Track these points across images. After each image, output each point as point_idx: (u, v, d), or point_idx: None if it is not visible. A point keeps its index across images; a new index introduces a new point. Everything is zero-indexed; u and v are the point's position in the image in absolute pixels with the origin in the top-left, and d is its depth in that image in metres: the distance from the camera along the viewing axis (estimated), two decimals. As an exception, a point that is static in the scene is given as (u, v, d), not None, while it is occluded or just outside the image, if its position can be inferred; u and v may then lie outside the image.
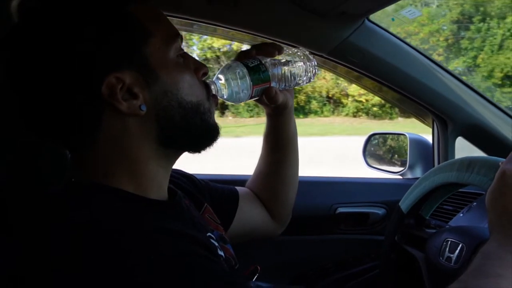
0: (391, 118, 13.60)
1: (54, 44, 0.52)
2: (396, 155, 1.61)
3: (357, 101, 13.64)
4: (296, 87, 0.82)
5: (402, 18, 1.14)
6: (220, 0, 0.96)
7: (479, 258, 0.60)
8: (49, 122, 0.56)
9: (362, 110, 13.84)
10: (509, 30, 12.23)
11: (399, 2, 0.94)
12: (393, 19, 1.14)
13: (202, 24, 1.05)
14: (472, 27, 12.57)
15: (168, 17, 0.63)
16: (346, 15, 1.02)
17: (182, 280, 0.46)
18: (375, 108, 13.66)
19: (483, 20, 12.49)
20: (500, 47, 12.44)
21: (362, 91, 13.04)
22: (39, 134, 0.58)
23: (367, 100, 13.53)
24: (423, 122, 1.44)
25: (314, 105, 13.58)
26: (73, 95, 0.53)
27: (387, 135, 1.72)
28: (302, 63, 0.80)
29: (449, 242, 0.82)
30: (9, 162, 0.72)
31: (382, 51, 1.14)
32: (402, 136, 1.58)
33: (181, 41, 0.62)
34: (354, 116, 14.09)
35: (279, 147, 0.89)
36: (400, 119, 13.52)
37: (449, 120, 1.29)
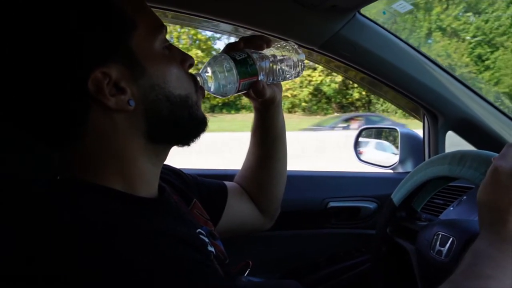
0: (325, 114, 13.61)
1: (35, 39, 0.50)
2: (387, 150, 1.61)
3: (284, 96, 13.59)
4: None
5: (393, 11, 1.13)
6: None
7: (469, 257, 0.60)
8: (34, 119, 0.53)
9: (298, 106, 13.81)
10: (435, 22, 12.21)
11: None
12: (384, 13, 1.14)
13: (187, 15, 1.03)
14: (398, 19, 12.54)
15: (156, 9, 0.61)
16: (337, 8, 1.02)
17: (177, 282, 0.45)
18: (304, 104, 13.63)
19: (410, 12, 12.49)
20: (426, 40, 12.47)
21: (289, 85, 13.00)
22: (25, 131, 0.56)
23: (294, 95, 13.43)
24: (414, 116, 1.44)
25: (245, 100, 13.36)
26: (57, 91, 0.51)
27: (378, 130, 1.72)
28: (290, 57, 0.78)
29: (440, 236, 0.82)
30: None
31: (373, 45, 1.14)
32: (393, 131, 1.58)
33: (166, 32, 0.60)
34: (290, 112, 13.97)
35: (267, 141, 0.88)
36: (336, 114, 13.60)
37: (440, 114, 1.29)
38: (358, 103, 15.09)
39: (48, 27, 0.50)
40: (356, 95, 13.94)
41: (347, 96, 14.20)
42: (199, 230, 0.66)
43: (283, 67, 0.78)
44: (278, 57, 0.77)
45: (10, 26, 0.50)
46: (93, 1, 0.52)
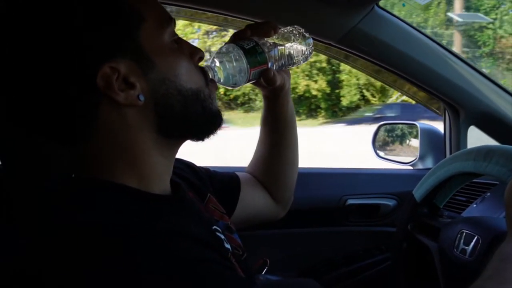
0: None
1: (41, 34, 0.49)
2: (406, 145, 1.59)
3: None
4: None
5: (413, 3, 1.11)
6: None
7: (496, 260, 0.58)
8: (43, 118, 0.53)
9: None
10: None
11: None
12: (404, 5, 1.11)
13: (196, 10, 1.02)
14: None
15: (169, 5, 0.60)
16: (355, 2, 1.00)
17: (194, 284, 0.45)
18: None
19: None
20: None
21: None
22: (34, 130, 0.56)
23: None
24: (434, 111, 1.41)
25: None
26: (66, 88, 0.51)
27: (397, 125, 1.69)
28: (298, 41, 0.77)
29: (464, 234, 0.79)
30: (8, 156, 0.70)
31: (392, 38, 1.11)
32: (412, 126, 1.55)
33: (174, 26, 0.59)
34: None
35: (278, 129, 0.87)
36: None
37: (461, 108, 1.26)
38: (241, 99, 15.03)
39: (54, 23, 0.49)
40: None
41: (228, 93, 13.96)
42: (215, 227, 0.65)
43: (292, 53, 0.75)
44: (286, 43, 0.75)
45: (15, 24, 0.50)
46: None
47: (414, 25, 1.11)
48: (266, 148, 0.89)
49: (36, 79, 0.50)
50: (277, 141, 0.88)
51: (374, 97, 15.51)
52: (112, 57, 0.51)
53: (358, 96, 15.33)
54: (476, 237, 0.77)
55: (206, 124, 0.62)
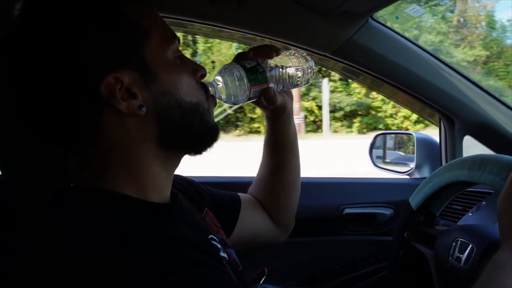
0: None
1: (51, 45, 0.52)
2: (403, 155, 1.60)
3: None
4: None
5: (406, 16, 1.13)
6: (223, 0, 0.95)
7: (490, 268, 0.58)
8: (48, 123, 0.55)
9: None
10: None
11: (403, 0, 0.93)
12: (397, 17, 1.13)
13: (202, 25, 1.04)
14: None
15: (170, 19, 0.62)
16: (349, 14, 1.01)
17: None
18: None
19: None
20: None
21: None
22: (39, 136, 0.58)
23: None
24: (430, 121, 1.42)
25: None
26: (71, 96, 0.53)
27: (394, 135, 1.70)
28: (300, 64, 0.80)
29: (459, 242, 0.80)
30: (8, 164, 0.71)
31: (387, 50, 1.13)
32: (408, 136, 1.57)
33: (179, 43, 0.62)
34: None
35: (279, 150, 0.88)
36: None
37: (456, 118, 1.27)
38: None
39: (64, 35, 0.52)
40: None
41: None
42: (211, 236, 0.66)
43: (293, 75, 0.79)
44: (288, 65, 0.78)
45: (25, 35, 0.53)
46: (106, 11, 0.54)
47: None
48: (267, 170, 0.90)
49: (45, 86, 0.53)
50: (278, 163, 0.88)
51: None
52: (116, 68, 0.54)
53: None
54: (470, 245, 0.78)
55: (203, 137, 0.64)
